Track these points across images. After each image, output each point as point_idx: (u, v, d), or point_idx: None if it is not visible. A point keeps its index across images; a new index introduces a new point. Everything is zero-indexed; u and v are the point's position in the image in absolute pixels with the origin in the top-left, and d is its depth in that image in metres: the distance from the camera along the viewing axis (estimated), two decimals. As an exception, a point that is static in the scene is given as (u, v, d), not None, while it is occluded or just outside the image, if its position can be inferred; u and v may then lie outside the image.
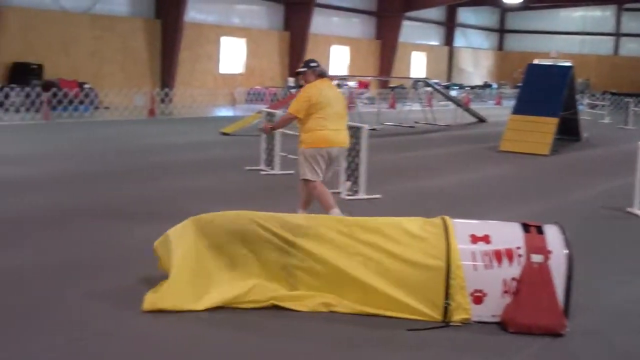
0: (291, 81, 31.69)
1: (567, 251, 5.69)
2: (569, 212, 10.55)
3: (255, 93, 29.39)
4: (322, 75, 8.79)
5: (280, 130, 11.37)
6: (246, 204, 9.81)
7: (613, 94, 38.80)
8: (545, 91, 18.35)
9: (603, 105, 31.88)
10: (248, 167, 12.68)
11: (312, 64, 8.85)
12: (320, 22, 34.42)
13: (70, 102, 21.70)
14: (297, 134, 9.15)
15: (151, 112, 22.48)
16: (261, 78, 31.91)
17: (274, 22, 32.83)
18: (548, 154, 16.92)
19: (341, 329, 5.49)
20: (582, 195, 12.14)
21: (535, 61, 38.73)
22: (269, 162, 12.66)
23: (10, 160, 12.88)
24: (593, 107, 32.86)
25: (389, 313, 5.68)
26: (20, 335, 5.04)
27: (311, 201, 8.78)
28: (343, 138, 8.68)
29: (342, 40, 36.86)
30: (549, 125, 17.59)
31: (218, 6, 30.22)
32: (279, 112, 12.89)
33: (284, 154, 12.52)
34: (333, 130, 8.53)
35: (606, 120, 29.20)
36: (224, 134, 18.41)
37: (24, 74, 22.97)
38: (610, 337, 5.66)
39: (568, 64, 31.09)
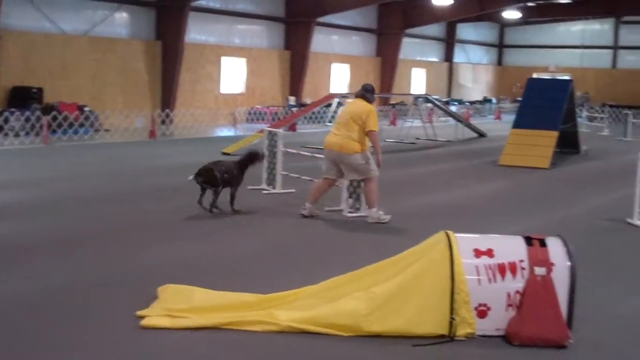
0: (292, 100, 31.76)
1: (570, 263, 5.72)
2: (570, 224, 10.56)
3: (256, 112, 29.47)
4: (357, 95, 10.40)
5: (282, 149, 12.46)
6: (248, 223, 9.92)
7: (612, 106, 38.88)
8: (545, 105, 18.39)
9: (602, 118, 31.95)
10: (250, 187, 12.69)
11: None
12: (321, 41, 34.55)
13: (70, 125, 21.73)
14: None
15: (152, 134, 22.51)
16: (262, 97, 31.98)
17: (274, 41, 32.95)
18: (548, 167, 16.95)
19: (344, 346, 5.50)
20: (582, 208, 12.16)
21: (535, 75, 38.82)
22: (271, 182, 12.68)
23: (11, 185, 12.85)
24: (592, 119, 32.97)
25: (395, 331, 5.68)
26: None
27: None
28: (333, 140, 10.17)
29: (342, 58, 36.96)
30: (549, 138, 17.63)
31: (219, 26, 30.32)
32: (280, 131, 12.92)
33: (285, 173, 12.54)
34: (328, 134, 10.39)
35: (605, 132, 29.23)
36: (225, 154, 18.44)
37: (23, 97, 22.95)
38: (615, 349, 5.67)
39: (567, 77, 31.29)
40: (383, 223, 10.10)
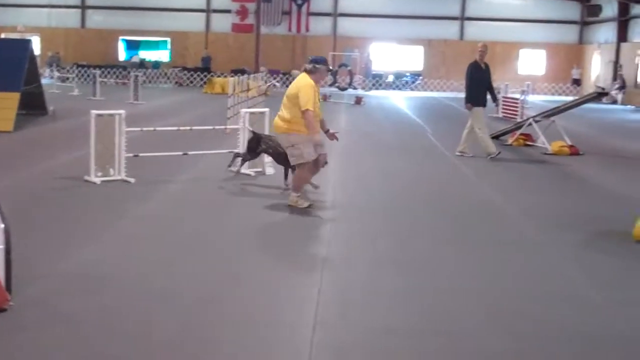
0: None
1: (3, 225, 5.68)
2: (28, 186, 10.55)
3: None
4: (305, 70, 9.53)
5: None
6: None
7: (82, 66, 39.52)
8: (6, 66, 17.82)
9: (73, 78, 32.24)
10: None
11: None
12: None
13: None
14: None
15: None
16: None
17: None
18: (12, 130, 16.55)
19: None
20: (43, 168, 12.15)
21: (3, 35, 37.55)
22: None
23: None
24: (64, 80, 33.10)
25: None
26: None
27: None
28: (275, 122, 9.60)
29: None
30: (11, 100, 17.15)
31: None
32: None
33: None
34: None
35: (75, 92, 29.57)
36: None
37: None
38: (56, 304, 5.83)
39: (34, 37, 30.86)
40: (301, 207, 9.46)
